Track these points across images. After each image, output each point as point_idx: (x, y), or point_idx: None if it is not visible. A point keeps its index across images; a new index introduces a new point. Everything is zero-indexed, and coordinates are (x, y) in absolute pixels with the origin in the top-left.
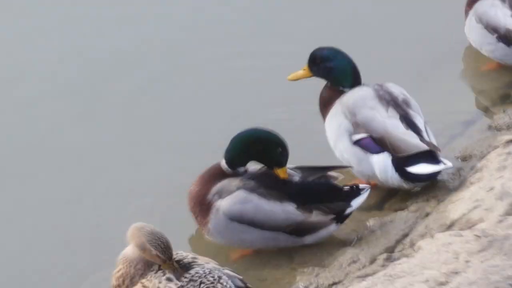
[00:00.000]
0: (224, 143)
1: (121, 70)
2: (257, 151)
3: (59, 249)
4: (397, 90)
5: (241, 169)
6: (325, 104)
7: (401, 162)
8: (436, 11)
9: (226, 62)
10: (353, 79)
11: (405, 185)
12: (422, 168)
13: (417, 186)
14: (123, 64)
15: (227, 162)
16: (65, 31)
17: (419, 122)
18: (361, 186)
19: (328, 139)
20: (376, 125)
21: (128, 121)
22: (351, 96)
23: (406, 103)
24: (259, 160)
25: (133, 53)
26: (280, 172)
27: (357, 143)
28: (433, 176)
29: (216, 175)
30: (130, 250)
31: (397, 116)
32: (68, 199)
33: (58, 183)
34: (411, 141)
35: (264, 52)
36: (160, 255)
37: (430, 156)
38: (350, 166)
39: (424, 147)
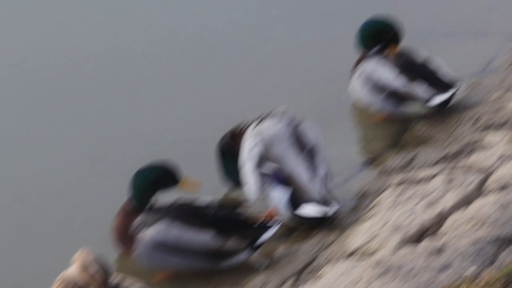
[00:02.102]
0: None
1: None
2: (157, 186)
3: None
4: (311, 135)
5: (150, 205)
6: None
7: (294, 203)
8: (332, 63)
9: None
10: None
11: (293, 222)
12: (308, 211)
13: (305, 224)
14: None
15: (136, 206)
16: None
17: (320, 172)
18: (271, 222)
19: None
20: (287, 164)
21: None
22: (271, 128)
23: (314, 150)
24: (164, 190)
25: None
26: (187, 185)
27: (264, 173)
28: (316, 219)
29: (134, 210)
30: (71, 271)
31: (306, 162)
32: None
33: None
34: (311, 190)
35: None
36: (96, 278)
37: (318, 203)
38: (257, 202)
39: (320, 199)
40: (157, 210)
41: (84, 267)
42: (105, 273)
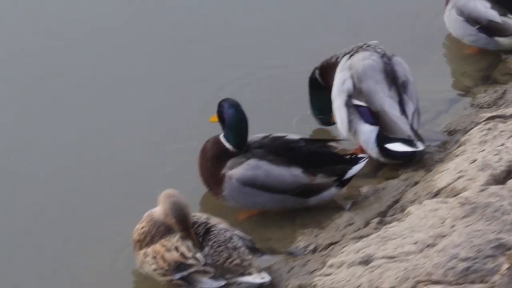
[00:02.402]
0: None
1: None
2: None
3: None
4: (402, 70)
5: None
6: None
7: (383, 138)
8: None
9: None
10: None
11: (381, 158)
12: (397, 147)
13: (393, 161)
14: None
15: (235, 148)
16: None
17: (410, 109)
18: (360, 155)
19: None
20: (377, 100)
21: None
22: (362, 62)
23: (404, 86)
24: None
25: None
26: None
27: (355, 107)
28: (405, 155)
29: (225, 151)
30: (157, 212)
31: (396, 98)
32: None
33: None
34: (401, 126)
35: None
36: (178, 225)
37: (407, 139)
38: (347, 138)
39: (410, 135)
40: (247, 147)
41: (166, 211)
42: (186, 217)
